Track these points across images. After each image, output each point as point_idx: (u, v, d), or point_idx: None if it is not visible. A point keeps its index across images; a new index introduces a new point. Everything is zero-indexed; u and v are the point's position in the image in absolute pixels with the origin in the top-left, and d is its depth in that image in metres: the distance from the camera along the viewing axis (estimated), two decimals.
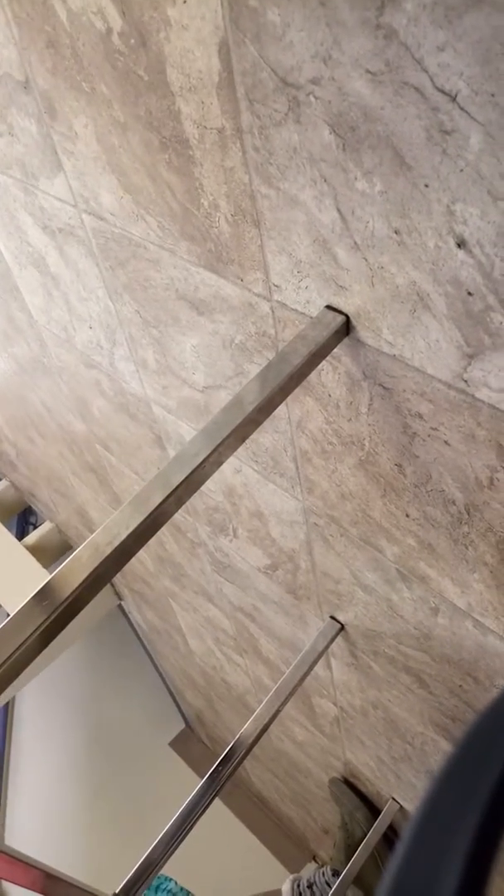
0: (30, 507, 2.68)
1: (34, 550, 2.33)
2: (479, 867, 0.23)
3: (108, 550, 0.47)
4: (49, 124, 0.76)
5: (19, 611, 0.45)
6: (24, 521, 3.05)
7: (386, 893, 0.23)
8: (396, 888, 0.23)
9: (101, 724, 3.15)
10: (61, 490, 1.99)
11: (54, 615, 0.46)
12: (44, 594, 0.46)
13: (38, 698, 3.25)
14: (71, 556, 0.47)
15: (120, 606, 2.40)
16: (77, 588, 0.46)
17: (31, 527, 3.01)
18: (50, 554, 2.41)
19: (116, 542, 0.47)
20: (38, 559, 2.29)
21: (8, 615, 2.36)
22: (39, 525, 2.51)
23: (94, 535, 0.48)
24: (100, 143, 0.71)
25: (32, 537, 2.41)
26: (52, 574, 0.47)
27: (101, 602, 2.29)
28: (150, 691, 3.05)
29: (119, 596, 2.33)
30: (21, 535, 2.94)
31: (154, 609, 2.07)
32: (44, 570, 2.25)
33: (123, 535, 0.47)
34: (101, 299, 0.96)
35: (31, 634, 0.44)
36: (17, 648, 0.44)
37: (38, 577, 2.22)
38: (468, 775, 0.25)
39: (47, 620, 0.45)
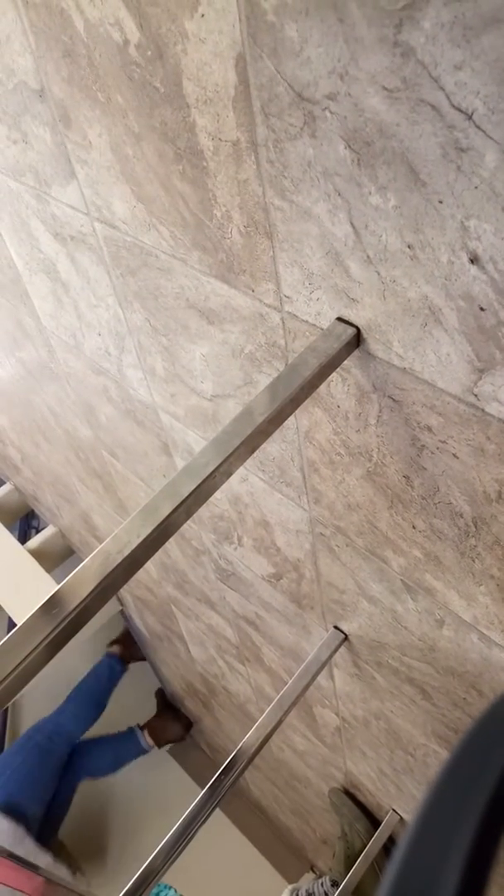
0: (33, 511, 2.68)
1: (36, 555, 2.33)
2: (479, 870, 0.23)
3: (118, 560, 0.47)
4: (63, 133, 0.77)
5: (28, 620, 0.45)
6: (26, 524, 3.05)
7: (386, 895, 0.23)
8: (395, 891, 0.23)
9: (100, 728, 3.14)
10: (65, 495, 2.00)
11: (62, 625, 0.46)
12: (52, 603, 0.46)
13: (37, 703, 3.25)
14: (80, 566, 0.47)
15: (122, 612, 2.40)
16: (86, 598, 0.46)
17: (33, 531, 3.01)
18: (52, 558, 2.41)
19: (126, 552, 0.47)
20: (41, 563, 2.29)
21: (9, 617, 2.36)
22: (42, 529, 2.51)
23: (102, 544, 0.48)
24: (114, 152, 0.71)
25: (35, 541, 2.41)
26: (61, 584, 0.47)
27: (104, 607, 2.29)
28: (150, 697, 3.04)
29: (121, 601, 2.33)
30: (24, 538, 2.94)
31: (156, 615, 2.07)
32: (46, 575, 2.25)
33: (133, 545, 0.47)
34: (111, 307, 0.96)
35: (40, 644, 0.45)
36: (26, 657, 0.44)
37: (40, 581, 2.22)
38: (467, 778, 0.25)
39: (55, 630, 0.45)
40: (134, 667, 2.84)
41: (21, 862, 0.66)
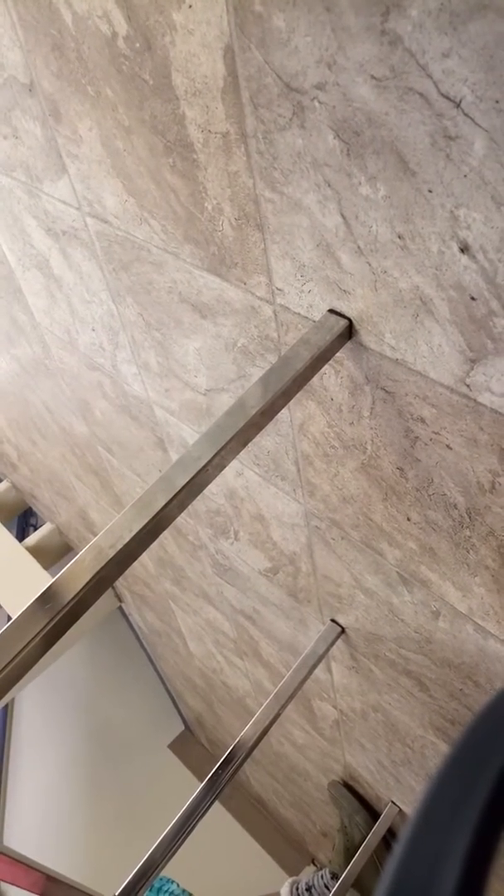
0: (30, 509, 2.68)
1: (34, 552, 2.33)
2: (478, 867, 0.23)
3: (112, 554, 0.47)
4: (53, 127, 0.77)
5: (22, 614, 0.45)
6: (24, 522, 3.06)
7: (385, 893, 0.23)
8: (395, 888, 0.23)
9: (101, 725, 3.15)
10: (62, 491, 2.00)
11: (57, 618, 0.46)
12: (47, 597, 0.46)
13: (38, 699, 3.25)
14: (74, 560, 0.47)
15: (120, 608, 2.41)
16: (80, 591, 0.46)
17: (31, 528, 3.01)
18: (50, 555, 2.41)
19: (119, 546, 0.47)
20: (39, 560, 2.29)
21: (7, 616, 2.37)
22: (40, 526, 2.51)
23: (96, 538, 0.48)
24: (104, 146, 0.71)
25: (33, 538, 2.41)
26: (55, 577, 0.47)
27: (102, 604, 2.29)
28: (150, 693, 3.04)
29: (119, 598, 2.33)
30: (21, 536, 2.94)
31: (154, 611, 2.07)
32: (44, 572, 2.25)
33: (126, 539, 0.47)
34: (104, 302, 0.96)
35: (34, 637, 0.45)
36: (21, 651, 0.44)
37: (38, 578, 2.22)
38: (466, 776, 0.25)
39: (50, 623, 0.45)
40: (134, 666, 2.83)
41: (16, 857, 0.67)
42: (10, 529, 2.41)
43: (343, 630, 1.04)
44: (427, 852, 0.23)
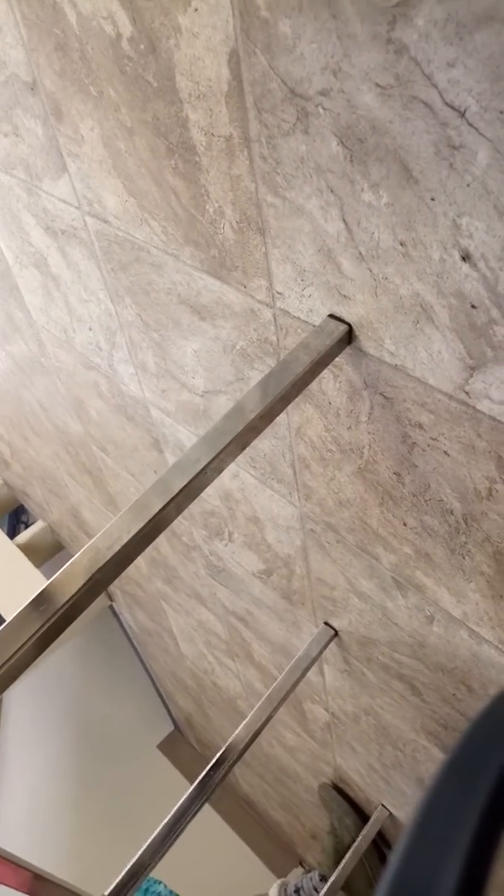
0: (22, 506, 2.67)
1: (25, 549, 2.33)
2: (478, 868, 0.23)
3: (108, 556, 0.47)
4: (55, 126, 0.76)
5: (17, 615, 0.45)
6: (15, 519, 3.05)
7: (385, 893, 0.23)
8: (395, 888, 0.23)
9: (90, 725, 3.14)
10: (55, 490, 1.99)
11: (52, 620, 0.45)
12: (41, 600, 0.46)
13: (26, 699, 3.24)
14: (70, 561, 0.47)
15: (111, 607, 2.40)
16: (75, 593, 0.46)
17: (22, 525, 3.00)
18: (41, 553, 2.40)
19: (116, 548, 0.47)
20: (30, 558, 2.28)
21: None
22: (31, 524, 2.50)
23: (93, 540, 0.48)
24: (106, 146, 0.71)
25: (24, 536, 2.40)
26: (51, 579, 0.47)
27: (93, 603, 2.29)
28: (140, 693, 3.04)
29: (110, 597, 2.32)
30: (12, 533, 2.93)
31: (145, 611, 2.07)
32: (35, 570, 2.25)
33: (124, 541, 0.47)
34: (102, 301, 0.95)
35: (29, 639, 0.44)
36: (14, 654, 0.44)
37: (28, 576, 2.22)
38: (464, 778, 0.25)
39: (44, 626, 0.45)
40: (124, 666, 2.83)
41: (4, 855, 0.66)
42: (0, 527, 2.41)
43: (336, 633, 1.04)
44: (426, 854, 0.23)
